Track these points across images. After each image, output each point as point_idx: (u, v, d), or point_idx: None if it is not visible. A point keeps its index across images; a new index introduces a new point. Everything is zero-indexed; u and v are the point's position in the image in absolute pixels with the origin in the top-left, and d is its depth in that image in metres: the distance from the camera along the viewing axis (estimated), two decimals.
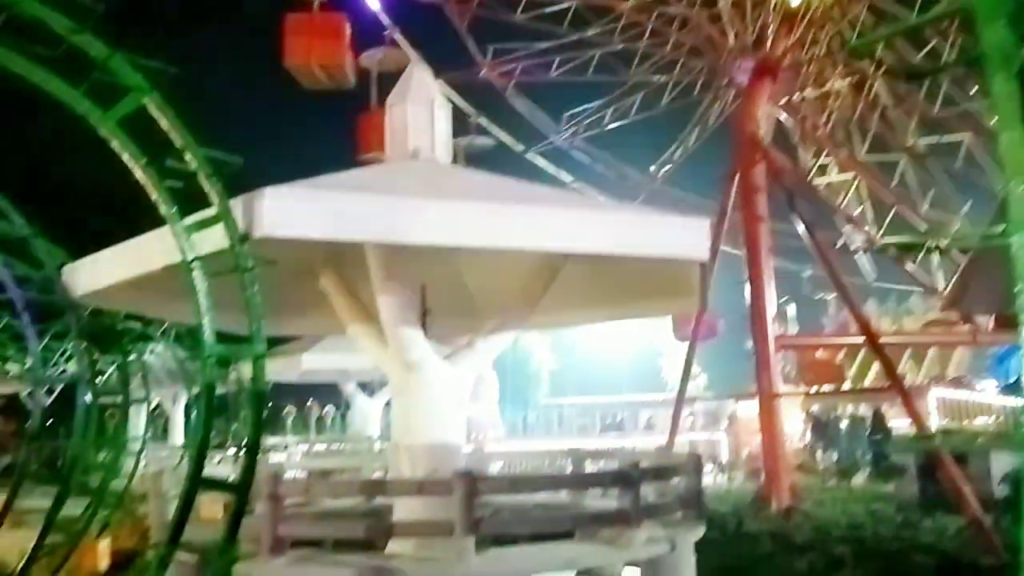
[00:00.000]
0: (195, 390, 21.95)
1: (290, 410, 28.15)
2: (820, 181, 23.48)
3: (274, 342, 14.45)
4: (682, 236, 6.77)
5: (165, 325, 17.92)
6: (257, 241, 5.10)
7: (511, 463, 15.47)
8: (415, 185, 6.83)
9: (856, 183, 22.89)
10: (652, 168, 25.64)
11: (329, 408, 33.19)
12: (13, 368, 18.70)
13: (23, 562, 6.51)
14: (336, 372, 17.45)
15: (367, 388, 19.01)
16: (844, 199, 22.59)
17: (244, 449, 4.86)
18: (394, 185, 6.74)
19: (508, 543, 6.36)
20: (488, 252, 7.03)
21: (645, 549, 6.60)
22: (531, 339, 29.05)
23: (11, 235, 7.25)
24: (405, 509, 7.09)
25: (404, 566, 5.77)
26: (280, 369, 15.19)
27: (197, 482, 4.69)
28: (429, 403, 7.46)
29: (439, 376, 7.55)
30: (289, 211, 5.38)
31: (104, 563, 10.30)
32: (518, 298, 8.00)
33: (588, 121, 24.46)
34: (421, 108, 8.11)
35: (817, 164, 23.83)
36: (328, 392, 28.97)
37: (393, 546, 6.82)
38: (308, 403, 30.22)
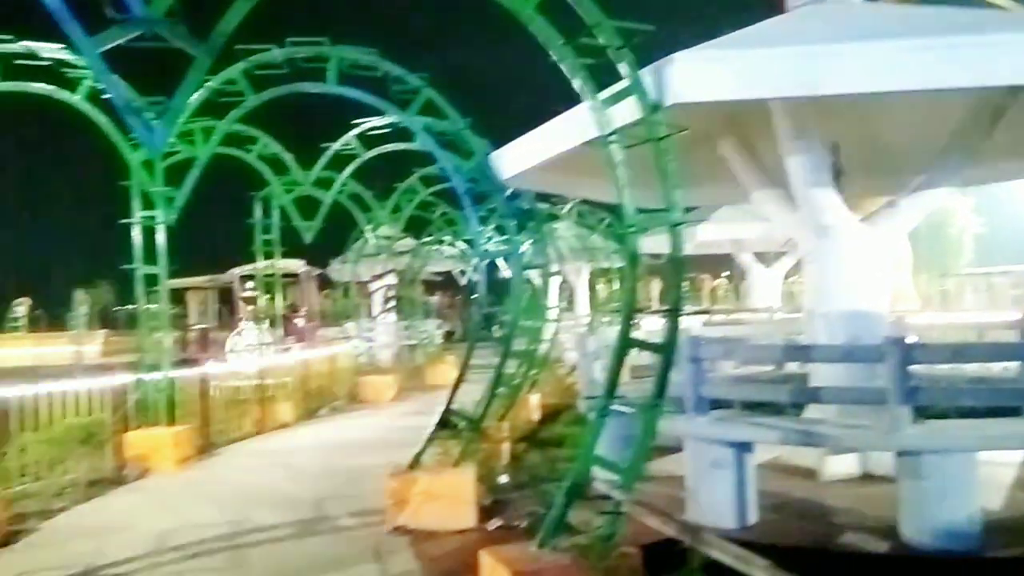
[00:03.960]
0: (594, 264, 23.56)
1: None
2: None
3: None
4: None
5: (569, 205, 19.27)
6: (668, 109, 5.12)
7: (931, 336, 14.14)
8: (827, 30, 6.25)
9: None
10: None
11: (721, 280, 33.28)
12: (448, 250, 21.62)
13: (482, 410, 7.65)
14: (731, 243, 17.30)
15: (763, 258, 18.58)
16: None
17: (667, 312, 5.05)
18: (804, 34, 6.24)
19: (936, 416, 5.87)
20: (914, 97, 6.23)
21: None
22: (951, 199, 25.60)
23: (448, 130, 8.22)
24: (822, 376, 6.91)
25: (831, 432, 5.66)
26: None
27: (627, 342, 5.03)
28: (845, 268, 7.05)
29: (856, 240, 7.06)
30: (698, 75, 5.30)
31: (536, 415, 11.79)
32: (949, 150, 7.05)
33: None
34: None
35: None
36: (719, 263, 28.98)
37: (811, 412, 6.72)
38: (699, 276, 30.59)
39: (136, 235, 10.25)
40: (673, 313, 5.05)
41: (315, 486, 8.65)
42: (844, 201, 7.11)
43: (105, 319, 31.93)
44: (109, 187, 10.76)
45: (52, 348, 25.94)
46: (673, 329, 5.02)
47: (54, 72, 8.62)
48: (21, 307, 33.71)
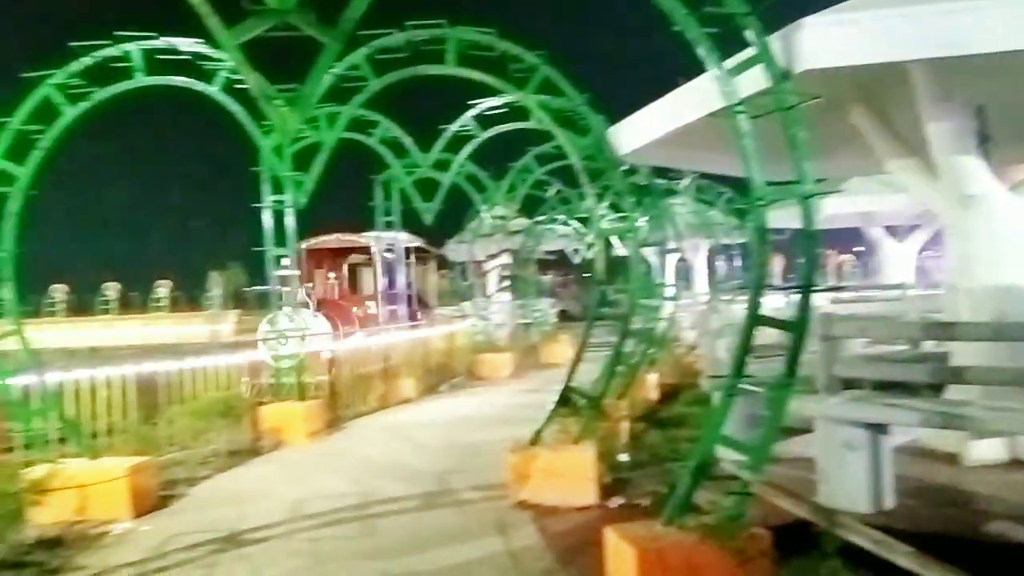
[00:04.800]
0: (714, 241, 22.98)
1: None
2: None
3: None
4: None
5: (687, 179, 18.88)
6: (797, 77, 4.91)
7: None
8: None
9: None
10: None
11: (848, 255, 31.80)
12: (562, 229, 21.60)
13: (601, 388, 7.64)
14: (860, 216, 16.48)
15: (895, 232, 17.62)
16: None
17: (799, 288, 4.87)
18: None
19: None
20: None
21: None
22: None
23: (565, 107, 8.17)
24: (963, 355, 6.51)
25: (977, 414, 5.33)
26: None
27: (756, 319, 4.89)
28: (992, 241, 6.58)
29: (1003, 210, 6.57)
30: (830, 40, 5.05)
31: (654, 394, 11.67)
32: None
33: None
34: None
35: None
36: (846, 238, 27.68)
37: (951, 393, 6.36)
38: (826, 251, 29.31)
39: (267, 218, 10.76)
40: (805, 289, 4.87)
41: (438, 460, 8.89)
42: (990, 169, 6.64)
43: (238, 299, 33.74)
44: (242, 173, 11.33)
45: (190, 327, 27.69)
46: (805, 306, 4.84)
47: (192, 65, 9.09)
48: (163, 288, 36.12)
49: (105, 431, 8.64)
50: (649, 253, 14.45)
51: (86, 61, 8.19)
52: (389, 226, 15.38)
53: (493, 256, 23.08)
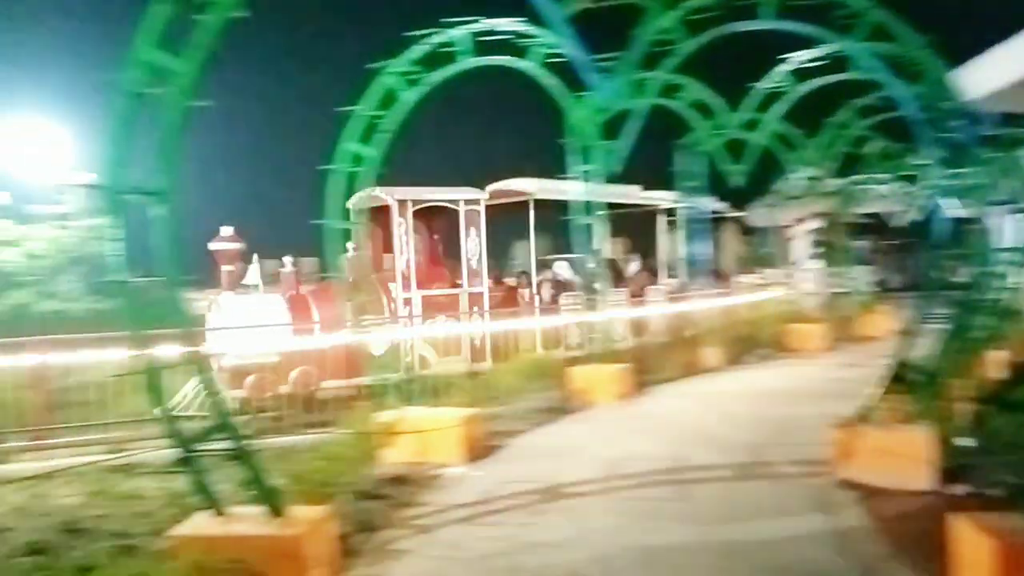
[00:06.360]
0: None
1: None
2: None
3: None
4: None
5: None
6: None
7: None
8: None
9: None
10: None
11: None
12: (879, 189, 19.74)
13: (938, 365, 6.91)
14: None
15: None
16: None
17: None
18: None
19: None
20: None
21: None
22: None
23: (897, 53, 7.40)
24: None
25: None
26: None
27: None
28: None
29: None
30: None
31: (1001, 373, 10.27)
32: None
33: None
34: None
35: None
36: None
37: None
38: None
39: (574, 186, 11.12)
40: None
41: (749, 431, 8.65)
42: None
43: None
44: (546, 145, 11.77)
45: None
46: None
47: (507, 44, 9.61)
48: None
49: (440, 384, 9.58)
50: (993, 213, 12.68)
51: (419, 49, 9.02)
52: (693, 191, 15.10)
53: (801, 220, 21.77)
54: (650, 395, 11.22)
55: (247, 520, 4.71)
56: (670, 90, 12.29)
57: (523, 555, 5.28)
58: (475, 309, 11.65)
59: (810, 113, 14.68)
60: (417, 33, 8.99)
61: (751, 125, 12.83)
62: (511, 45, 9.40)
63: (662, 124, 13.89)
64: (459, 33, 8.85)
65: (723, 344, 13.99)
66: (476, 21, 9.02)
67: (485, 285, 11.80)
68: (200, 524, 4.73)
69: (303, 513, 4.82)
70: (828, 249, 19.94)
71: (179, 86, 4.55)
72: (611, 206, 12.60)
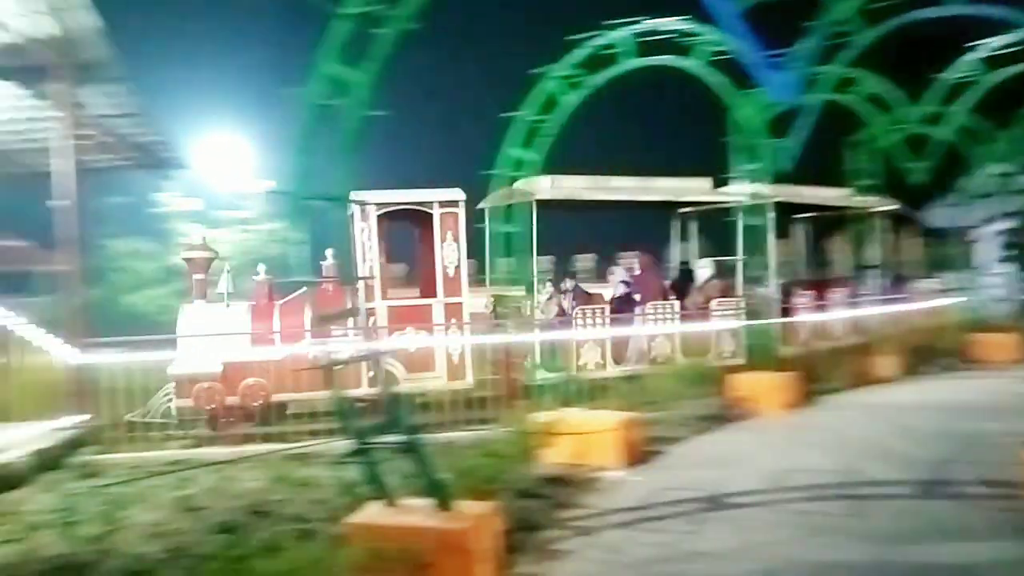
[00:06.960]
0: None
1: None
2: None
3: None
4: None
5: None
6: None
7: None
8: None
9: None
10: None
11: None
12: None
13: None
14: None
15: None
16: None
17: None
18: None
19: None
20: None
21: None
22: None
23: None
24: None
25: None
26: None
27: None
28: None
29: None
30: None
31: None
32: None
33: None
34: None
35: None
36: None
37: None
38: None
39: (738, 188, 10.79)
40: None
41: (929, 447, 8.07)
42: None
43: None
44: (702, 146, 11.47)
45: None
46: None
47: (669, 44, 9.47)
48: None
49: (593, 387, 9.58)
50: None
51: (580, 53, 9.07)
52: (868, 190, 14.20)
53: (988, 221, 20.00)
54: (818, 405, 10.69)
55: (417, 512, 4.90)
56: (843, 84, 11.68)
57: (686, 563, 5.18)
58: (452, 321, 10.42)
59: (1002, 104, 13.47)
60: (578, 37, 9.05)
61: (934, 119, 11.93)
62: (674, 44, 9.27)
63: (831, 121, 13.23)
64: (621, 35, 8.82)
65: (898, 353, 13.12)
66: (638, 22, 8.96)
67: (465, 295, 10.45)
68: (373, 513, 4.96)
69: (470, 508, 4.96)
70: (1020, 252, 18.23)
71: (357, 97, 4.82)
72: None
